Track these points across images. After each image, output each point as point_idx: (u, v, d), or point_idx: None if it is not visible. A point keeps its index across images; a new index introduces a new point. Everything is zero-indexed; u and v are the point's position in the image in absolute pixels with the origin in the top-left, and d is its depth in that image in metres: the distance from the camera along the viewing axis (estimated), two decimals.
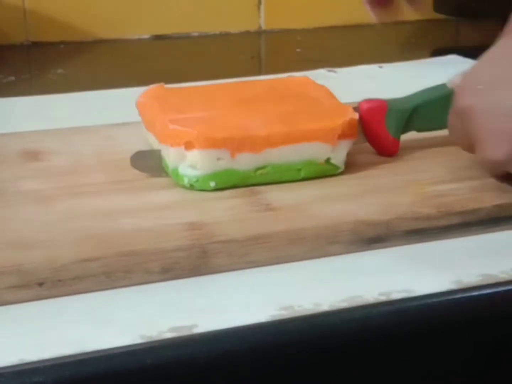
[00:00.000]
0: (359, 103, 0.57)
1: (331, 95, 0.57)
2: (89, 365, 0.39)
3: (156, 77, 0.62)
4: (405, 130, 0.57)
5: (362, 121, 0.56)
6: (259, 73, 0.94)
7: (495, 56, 0.52)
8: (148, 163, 0.54)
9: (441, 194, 0.52)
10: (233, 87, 0.60)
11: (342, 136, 0.53)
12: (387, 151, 0.57)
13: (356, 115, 0.54)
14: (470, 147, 0.53)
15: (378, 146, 0.57)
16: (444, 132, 0.59)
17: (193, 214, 0.49)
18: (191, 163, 0.52)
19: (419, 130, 0.58)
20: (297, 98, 0.57)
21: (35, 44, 0.98)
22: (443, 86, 0.57)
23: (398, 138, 0.57)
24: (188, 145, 0.51)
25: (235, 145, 0.51)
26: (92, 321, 0.42)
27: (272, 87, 0.59)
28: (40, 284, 0.43)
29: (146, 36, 1.02)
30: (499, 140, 0.49)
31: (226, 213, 0.49)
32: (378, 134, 0.56)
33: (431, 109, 0.57)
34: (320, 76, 0.63)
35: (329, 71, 0.82)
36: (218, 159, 0.51)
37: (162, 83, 0.59)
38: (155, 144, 0.55)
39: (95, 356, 0.39)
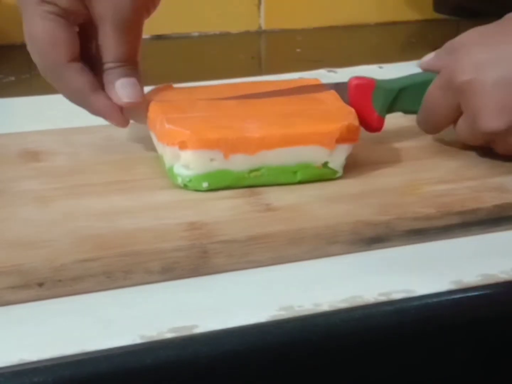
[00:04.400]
0: (350, 79, 0.59)
1: (337, 98, 0.57)
2: (89, 365, 0.39)
3: (156, 77, 0.62)
4: (391, 109, 0.59)
5: (350, 96, 0.58)
6: (259, 73, 0.94)
7: (489, 33, 0.56)
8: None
9: (441, 194, 0.52)
10: (240, 87, 0.60)
11: (340, 140, 0.52)
12: (372, 127, 0.59)
13: (356, 121, 0.54)
14: (453, 121, 0.56)
15: (363, 122, 0.58)
16: (443, 133, 0.59)
17: (193, 214, 0.49)
18: (184, 162, 0.51)
19: (405, 112, 0.60)
20: (301, 100, 0.57)
21: None
22: (430, 74, 0.59)
23: (383, 116, 0.59)
24: (182, 145, 0.51)
25: (229, 146, 0.51)
26: (92, 321, 0.42)
27: (280, 89, 0.59)
28: (40, 284, 0.43)
29: (146, 36, 1.01)
30: (500, 111, 0.53)
31: (226, 213, 0.49)
32: (364, 110, 0.58)
33: (417, 92, 0.58)
34: (320, 76, 0.63)
35: (329, 71, 0.83)
36: (211, 159, 0.51)
37: (171, 83, 0.59)
38: (156, 142, 0.55)
39: (95, 356, 0.39)
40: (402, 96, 0.59)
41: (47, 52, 0.54)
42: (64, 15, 0.53)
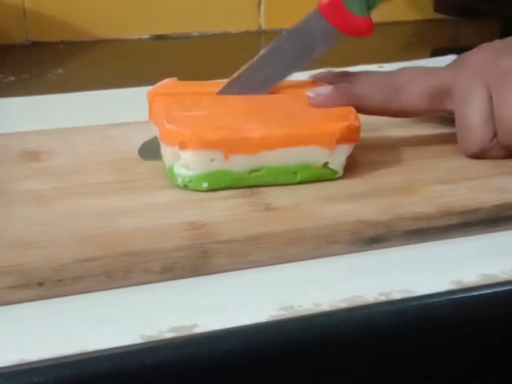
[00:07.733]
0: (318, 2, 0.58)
1: None
2: (89, 365, 0.39)
3: (156, 77, 0.62)
4: (371, 5, 0.58)
5: (325, 16, 0.57)
6: None
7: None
8: (152, 151, 0.56)
9: (441, 194, 0.52)
10: None
11: (340, 140, 0.52)
12: (362, 32, 0.58)
13: (357, 121, 0.54)
14: None
15: (353, 32, 0.58)
16: (443, 132, 0.59)
17: (193, 214, 0.49)
18: (184, 163, 0.51)
19: None
20: (302, 100, 0.56)
21: (35, 44, 0.98)
22: None
23: (368, 16, 0.58)
24: (182, 145, 0.51)
25: (229, 146, 0.51)
26: (92, 321, 0.42)
27: (283, 89, 0.59)
28: (40, 284, 0.43)
29: (146, 36, 1.02)
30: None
31: (226, 213, 0.49)
32: (346, 21, 0.57)
33: None
34: None
35: (329, 71, 0.82)
36: (212, 160, 0.51)
37: (175, 78, 0.59)
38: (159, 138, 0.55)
39: (95, 356, 0.39)
40: None
41: None
42: None
